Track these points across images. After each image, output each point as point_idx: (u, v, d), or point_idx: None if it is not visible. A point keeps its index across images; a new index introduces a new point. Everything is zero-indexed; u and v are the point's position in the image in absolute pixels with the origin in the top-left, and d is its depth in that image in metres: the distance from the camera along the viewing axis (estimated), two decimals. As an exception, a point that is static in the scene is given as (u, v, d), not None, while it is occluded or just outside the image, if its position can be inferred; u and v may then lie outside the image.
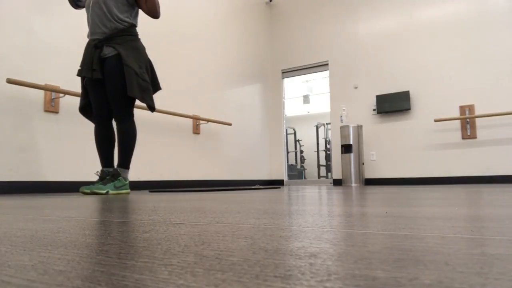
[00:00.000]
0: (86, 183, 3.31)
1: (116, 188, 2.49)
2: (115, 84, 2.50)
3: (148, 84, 2.58)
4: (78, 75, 2.55)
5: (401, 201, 1.33)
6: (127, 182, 2.58)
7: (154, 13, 2.59)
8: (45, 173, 3.09)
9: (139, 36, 2.79)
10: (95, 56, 2.51)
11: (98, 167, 3.44)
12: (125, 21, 2.58)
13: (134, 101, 2.62)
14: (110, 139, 2.62)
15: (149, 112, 3.97)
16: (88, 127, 3.40)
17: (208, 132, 5.06)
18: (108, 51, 2.54)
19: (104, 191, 2.42)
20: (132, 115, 2.60)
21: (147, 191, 3.20)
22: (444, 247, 0.43)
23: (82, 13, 3.51)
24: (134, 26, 2.65)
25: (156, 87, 2.73)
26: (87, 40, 3.49)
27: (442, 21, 5.47)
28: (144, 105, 3.67)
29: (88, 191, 2.42)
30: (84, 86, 2.65)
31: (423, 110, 5.50)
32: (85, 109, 2.67)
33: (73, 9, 3.43)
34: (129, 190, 2.60)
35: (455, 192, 2.04)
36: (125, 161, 2.57)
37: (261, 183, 6.23)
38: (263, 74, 6.64)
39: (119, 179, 2.52)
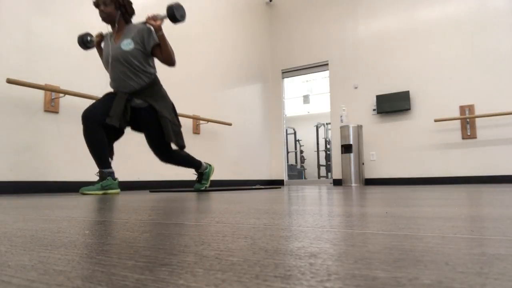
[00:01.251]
0: (86, 183, 3.32)
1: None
2: (154, 134, 2.75)
3: (179, 127, 2.85)
4: (108, 122, 2.59)
5: (401, 201, 1.33)
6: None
7: (169, 62, 2.71)
8: (45, 173, 3.09)
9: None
10: (128, 108, 2.68)
11: (98, 167, 3.44)
12: (150, 73, 2.74)
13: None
14: (104, 141, 2.63)
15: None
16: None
17: (208, 132, 5.06)
18: (139, 102, 2.72)
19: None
20: (170, 149, 2.84)
21: (147, 191, 3.20)
22: (444, 247, 0.43)
23: (82, 13, 3.51)
24: (156, 75, 2.82)
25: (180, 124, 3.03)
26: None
27: (442, 21, 5.47)
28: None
29: (86, 192, 2.51)
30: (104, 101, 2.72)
31: (423, 110, 5.50)
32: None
33: (73, 9, 3.43)
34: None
35: (455, 192, 2.04)
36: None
37: (261, 183, 6.23)
38: (263, 74, 6.64)
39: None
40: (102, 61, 2.78)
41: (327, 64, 6.36)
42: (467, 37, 5.27)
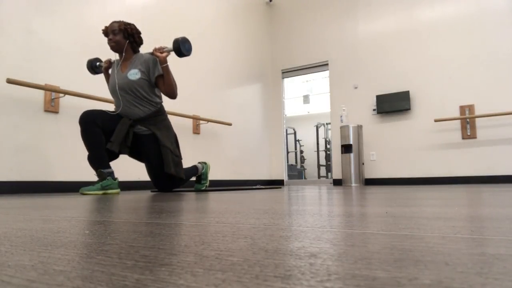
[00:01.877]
0: (86, 183, 3.32)
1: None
2: (155, 163, 2.77)
3: (180, 158, 2.85)
4: (108, 147, 2.60)
5: (401, 201, 1.33)
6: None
7: (171, 94, 2.75)
8: (45, 173, 3.09)
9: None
10: (130, 134, 2.71)
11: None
12: (156, 102, 2.79)
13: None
14: (102, 141, 2.63)
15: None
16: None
17: (208, 132, 5.06)
18: (142, 129, 2.76)
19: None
20: (169, 182, 2.83)
21: (148, 191, 3.20)
22: (444, 247, 0.43)
23: (82, 13, 3.51)
24: (162, 104, 2.86)
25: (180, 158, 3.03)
26: (85, 40, 3.49)
27: (442, 21, 5.47)
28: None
29: (86, 192, 2.51)
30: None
31: (423, 110, 5.50)
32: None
33: (73, 9, 3.43)
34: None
35: (455, 192, 2.04)
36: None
37: (261, 183, 6.23)
38: (263, 74, 6.64)
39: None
40: (108, 87, 2.81)
41: (327, 64, 6.36)
42: (467, 37, 5.27)
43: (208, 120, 4.86)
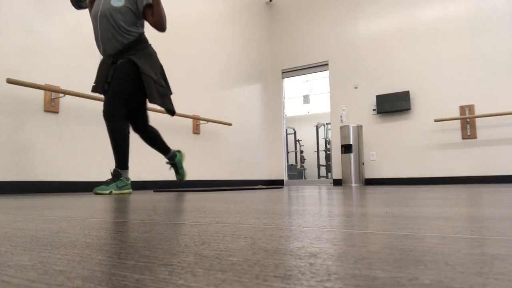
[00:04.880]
0: (86, 183, 3.32)
1: (119, 188, 2.50)
2: (120, 83, 2.50)
3: (166, 89, 2.61)
4: (92, 91, 2.54)
5: (401, 201, 1.33)
6: (129, 182, 2.59)
7: (160, 26, 2.58)
8: (45, 173, 3.09)
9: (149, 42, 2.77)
10: (110, 71, 2.53)
11: (98, 167, 3.44)
12: (134, 32, 2.58)
13: (130, 105, 2.59)
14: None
15: (150, 112, 3.97)
16: (88, 127, 3.40)
17: (208, 132, 5.06)
18: (122, 61, 2.56)
19: (107, 192, 2.45)
20: (123, 116, 2.53)
21: (150, 191, 3.20)
22: (444, 247, 0.43)
23: (82, 13, 3.51)
24: (143, 33, 2.65)
25: (169, 90, 2.76)
26: (85, 41, 3.49)
27: (442, 21, 5.47)
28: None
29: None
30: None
31: (423, 110, 5.50)
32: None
33: (73, 9, 3.43)
34: (131, 190, 2.62)
35: (455, 192, 2.04)
36: (118, 162, 2.54)
37: (261, 183, 6.23)
38: (263, 74, 6.64)
39: (121, 179, 2.53)
40: (90, 15, 2.66)
41: (327, 64, 6.36)
42: (467, 37, 5.27)
43: (208, 120, 4.86)
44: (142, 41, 2.62)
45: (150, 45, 2.66)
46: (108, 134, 2.49)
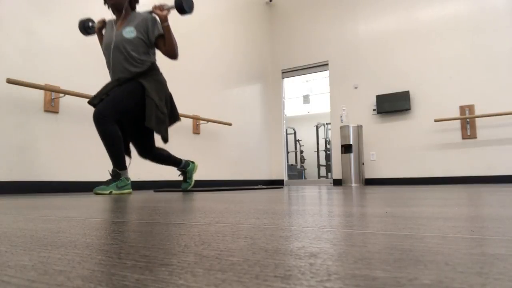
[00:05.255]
0: (86, 183, 3.32)
1: (119, 188, 2.51)
2: (120, 94, 2.52)
3: (165, 117, 2.64)
4: (88, 102, 2.55)
5: (401, 201, 1.33)
6: (129, 182, 2.59)
7: (172, 54, 2.63)
8: (45, 173, 3.09)
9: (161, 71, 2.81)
10: (113, 87, 2.56)
11: (98, 167, 3.44)
12: (147, 62, 2.63)
13: (122, 118, 2.57)
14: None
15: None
16: (88, 127, 3.40)
17: (208, 132, 5.06)
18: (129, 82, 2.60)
19: (108, 192, 2.45)
20: (114, 121, 2.49)
21: (150, 191, 3.20)
22: (444, 247, 0.43)
23: (82, 13, 3.51)
24: (155, 62, 2.70)
25: (175, 118, 2.81)
26: (86, 41, 3.49)
27: (442, 21, 5.47)
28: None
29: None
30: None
31: (423, 110, 5.50)
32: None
33: (73, 9, 3.43)
34: (131, 190, 2.63)
35: (455, 192, 2.04)
36: (116, 163, 2.54)
37: (261, 183, 6.23)
38: (263, 74, 6.64)
39: (121, 179, 2.53)
40: (102, 48, 2.70)
41: (327, 64, 6.36)
42: (467, 37, 5.27)
43: (208, 120, 4.86)
44: (154, 69, 2.67)
45: (161, 73, 2.72)
46: (100, 137, 2.47)
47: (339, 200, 1.42)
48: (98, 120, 2.43)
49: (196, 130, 4.82)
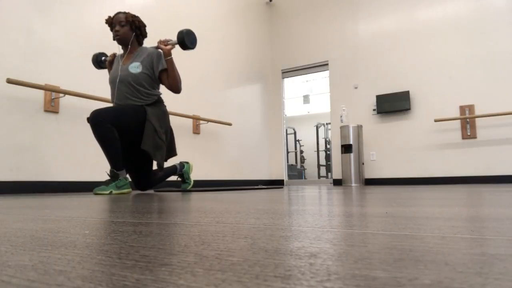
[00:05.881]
0: (86, 183, 3.32)
1: (118, 187, 2.53)
2: (122, 108, 2.56)
3: (163, 143, 2.66)
4: (87, 119, 2.56)
5: (401, 201, 1.33)
6: (128, 181, 2.61)
7: (175, 88, 2.68)
8: (45, 173, 3.09)
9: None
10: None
11: (98, 167, 3.44)
12: (153, 95, 2.71)
13: (117, 127, 2.55)
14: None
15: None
16: (88, 127, 3.40)
17: (208, 132, 5.06)
18: None
19: (108, 192, 2.47)
20: (111, 125, 2.50)
21: (150, 191, 3.20)
22: (444, 247, 0.43)
23: (83, 13, 3.51)
24: (159, 95, 2.77)
25: (172, 152, 2.83)
26: (85, 41, 3.49)
27: (442, 21, 5.47)
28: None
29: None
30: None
31: (423, 110, 5.50)
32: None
33: (73, 9, 3.43)
34: (130, 189, 2.64)
35: (455, 192, 2.04)
36: (113, 164, 2.55)
37: (261, 183, 6.23)
38: (263, 74, 6.64)
39: (120, 179, 2.55)
40: (109, 79, 2.76)
41: (327, 64, 6.36)
42: (467, 37, 5.27)
43: (208, 120, 4.86)
44: (158, 101, 2.75)
45: (165, 106, 2.80)
46: (97, 139, 2.47)
47: (339, 200, 1.42)
48: (96, 123, 2.43)
49: (196, 130, 4.82)
